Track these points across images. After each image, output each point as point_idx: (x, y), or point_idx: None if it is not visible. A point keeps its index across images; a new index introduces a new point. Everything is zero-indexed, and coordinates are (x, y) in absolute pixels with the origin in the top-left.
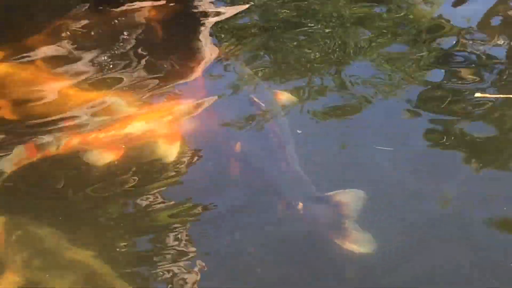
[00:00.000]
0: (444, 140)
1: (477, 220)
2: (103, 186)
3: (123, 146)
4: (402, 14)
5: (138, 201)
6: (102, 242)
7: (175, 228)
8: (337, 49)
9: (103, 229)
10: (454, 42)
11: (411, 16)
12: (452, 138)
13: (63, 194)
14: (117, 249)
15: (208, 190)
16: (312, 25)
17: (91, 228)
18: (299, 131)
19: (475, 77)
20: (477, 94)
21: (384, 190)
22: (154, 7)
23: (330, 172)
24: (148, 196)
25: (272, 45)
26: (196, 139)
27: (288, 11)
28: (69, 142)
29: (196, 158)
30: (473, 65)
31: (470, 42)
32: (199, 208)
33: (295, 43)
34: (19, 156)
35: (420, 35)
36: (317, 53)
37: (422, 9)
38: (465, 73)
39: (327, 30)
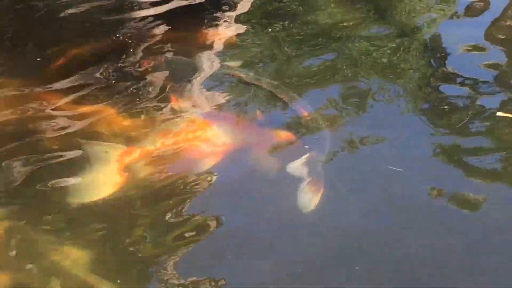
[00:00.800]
0: (463, 160)
1: None
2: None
3: (222, 152)
4: (420, 35)
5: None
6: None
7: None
8: (349, 67)
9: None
10: (475, 60)
11: (428, 37)
12: (471, 158)
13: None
14: (116, 261)
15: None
16: (323, 45)
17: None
18: (306, 146)
19: (496, 96)
20: (499, 114)
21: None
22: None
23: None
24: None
25: (283, 67)
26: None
27: (301, 33)
28: (164, 142)
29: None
30: (495, 84)
31: (492, 61)
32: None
33: (306, 63)
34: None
35: (439, 55)
36: (329, 71)
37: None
38: (485, 92)
39: (337, 48)
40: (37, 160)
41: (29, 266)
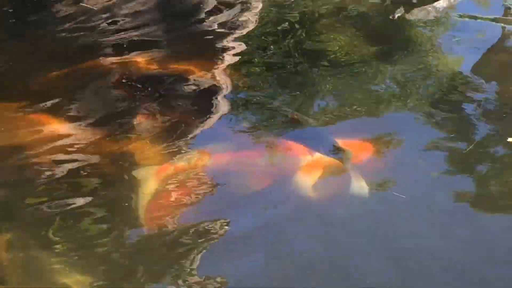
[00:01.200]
0: (469, 186)
1: None
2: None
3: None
4: (424, 61)
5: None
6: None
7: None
8: (355, 94)
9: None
10: (485, 86)
11: (433, 64)
12: (479, 185)
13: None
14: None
15: None
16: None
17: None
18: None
19: (506, 122)
20: (510, 139)
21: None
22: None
23: None
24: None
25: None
26: None
27: (308, 59)
28: (200, 159)
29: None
30: (505, 110)
31: (504, 86)
32: None
33: (315, 88)
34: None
35: (449, 80)
36: (337, 97)
37: (447, 56)
38: (495, 117)
39: (346, 73)
40: (66, 185)
41: (33, 284)
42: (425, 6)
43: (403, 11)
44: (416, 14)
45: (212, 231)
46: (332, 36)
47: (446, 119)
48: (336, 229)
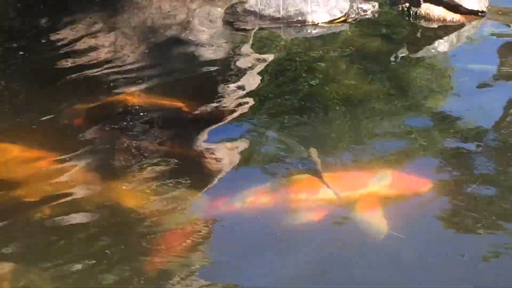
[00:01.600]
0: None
1: None
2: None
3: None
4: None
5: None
6: None
7: None
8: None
9: None
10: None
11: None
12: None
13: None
14: None
15: None
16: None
17: None
18: None
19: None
20: None
21: None
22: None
23: None
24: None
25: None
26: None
27: (316, 104)
28: (257, 199)
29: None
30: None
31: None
32: None
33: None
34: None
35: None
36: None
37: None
38: (497, 154)
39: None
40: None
41: None
42: (428, 47)
43: (407, 51)
44: (420, 55)
45: None
46: (337, 78)
47: (445, 157)
48: None
